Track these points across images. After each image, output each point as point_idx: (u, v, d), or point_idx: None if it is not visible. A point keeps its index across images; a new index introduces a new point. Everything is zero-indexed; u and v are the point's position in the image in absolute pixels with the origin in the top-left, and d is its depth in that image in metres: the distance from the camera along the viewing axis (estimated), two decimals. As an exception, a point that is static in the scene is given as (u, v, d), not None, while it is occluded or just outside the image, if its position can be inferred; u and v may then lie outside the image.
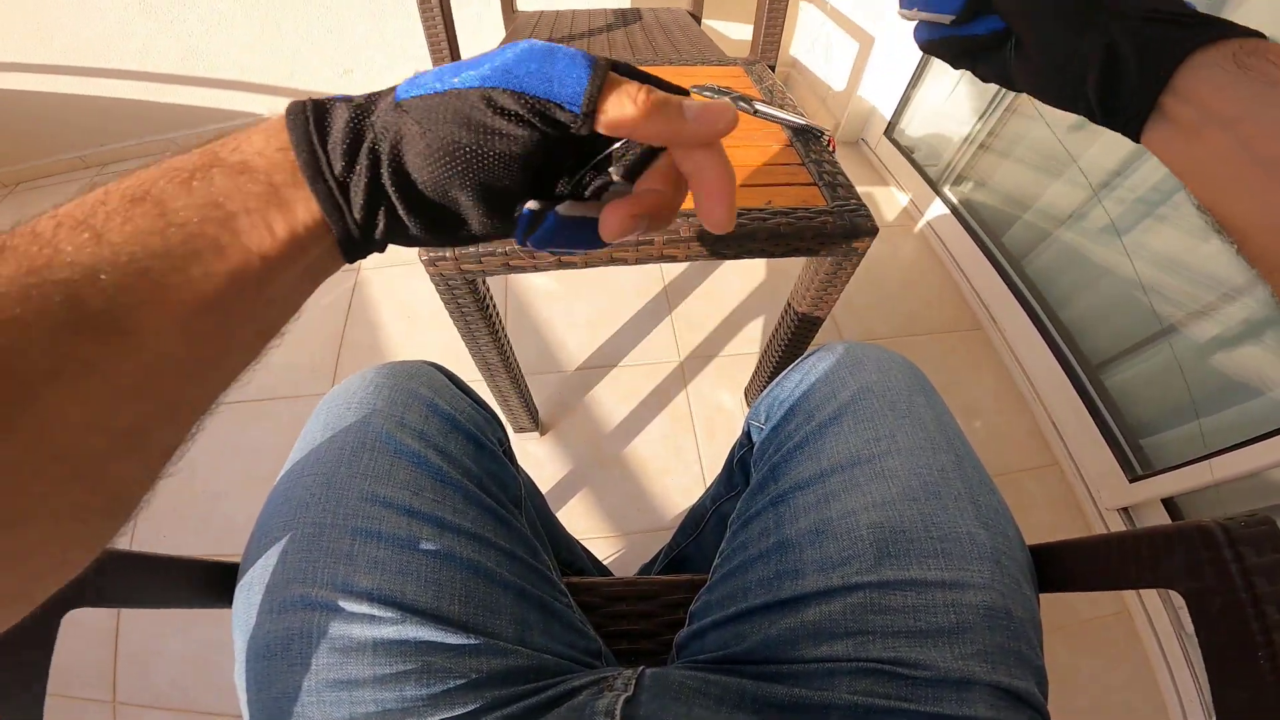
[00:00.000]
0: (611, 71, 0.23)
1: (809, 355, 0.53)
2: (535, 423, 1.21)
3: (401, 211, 0.24)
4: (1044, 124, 1.33)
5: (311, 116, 0.22)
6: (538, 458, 1.20)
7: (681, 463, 1.21)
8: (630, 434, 1.25)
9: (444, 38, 1.10)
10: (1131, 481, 1.06)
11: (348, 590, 0.36)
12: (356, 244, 0.24)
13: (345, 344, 1.38)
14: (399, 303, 1.45)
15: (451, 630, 0.37)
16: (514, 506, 0.49)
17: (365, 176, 0.22)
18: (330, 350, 1.37)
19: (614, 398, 1.30)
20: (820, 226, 0.70)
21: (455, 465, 0.44)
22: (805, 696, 0.37)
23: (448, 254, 0.62)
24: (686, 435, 1.24)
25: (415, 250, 0.46)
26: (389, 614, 0.36)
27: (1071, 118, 1.25)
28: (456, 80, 0.22)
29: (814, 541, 0.41)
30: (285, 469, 0.42)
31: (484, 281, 0.73)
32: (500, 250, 0.62)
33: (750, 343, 1.40)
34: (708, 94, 0.92)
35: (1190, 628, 0.31)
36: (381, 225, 0.24)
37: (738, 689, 0.39)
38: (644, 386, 1.31)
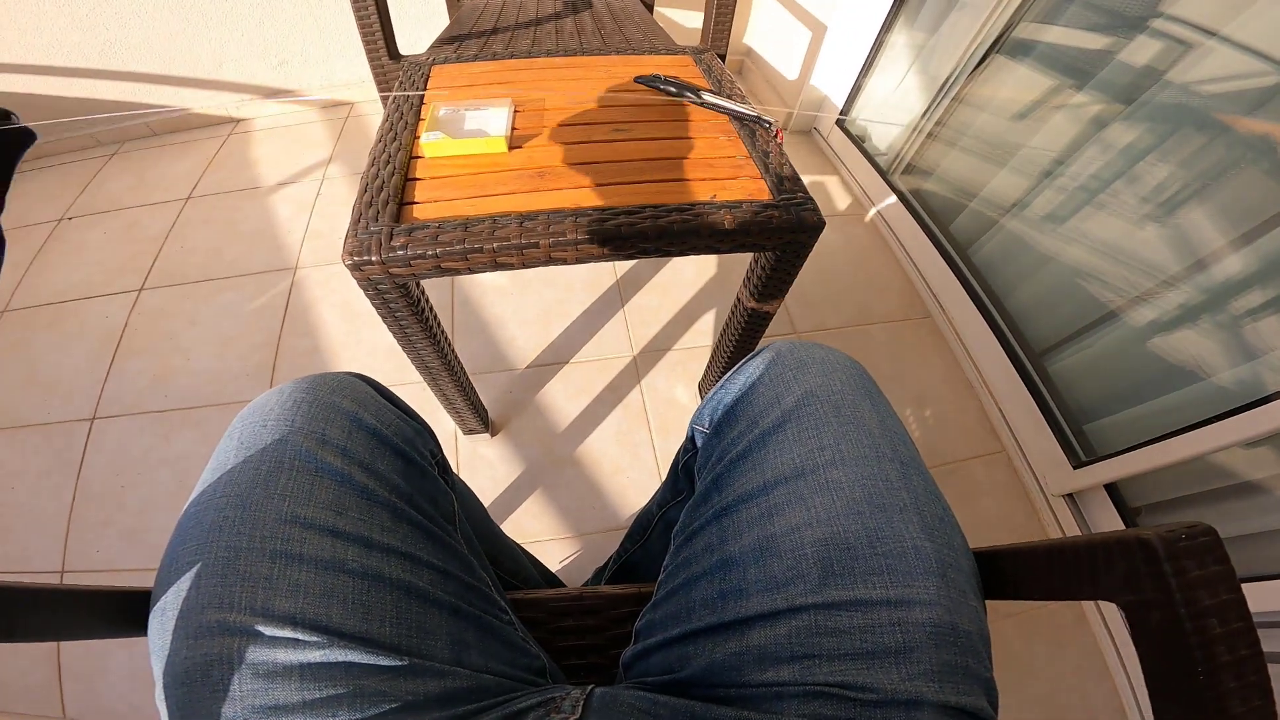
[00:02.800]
0: None
1: (753, 356, 0.52)
2: (485, 424, 1.17)
3: None
4: (989, 114, 1.35)
5: None
6: (489, 459, 1.17)
7: (636, 460, 1.19)
8: (584, 432, 1.22)
9: (375, 18, 1.05)
10: (1075, 468, 1.08)
11: (267, 615, 0.34)
12: None
13: (283, 348, 1.32)
14: (339, 302, 1.39)
15: (383, 653, 0.36)
16: (447, 522, 0.47)
17: None
18: (266, 355, 1.31)
19: (566, 395, 1.27)
20: (766, 221, 0.68)
21: (382, 482, 0.42)
22: (753, 719, 0.36)
23: (373, 258, 0.59)
24: (641, 431, 1.23)
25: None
26: (314, 638, 0.34)
27: (1016, 108, 1.27)
28: None
29: (758, 559, 0.40)
30: (196, 492, 0.39)
31: (418, 284, 0.69)
32: (430, 253, 0.59)
33: (704, 335, 1.39)
34: (654, 85, 0.89)
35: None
36: None
37: (687, 711, 0.38)
38: (597, 382, 1.29)
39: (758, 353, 0.52)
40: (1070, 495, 1.12)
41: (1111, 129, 1.05)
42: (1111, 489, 1.07)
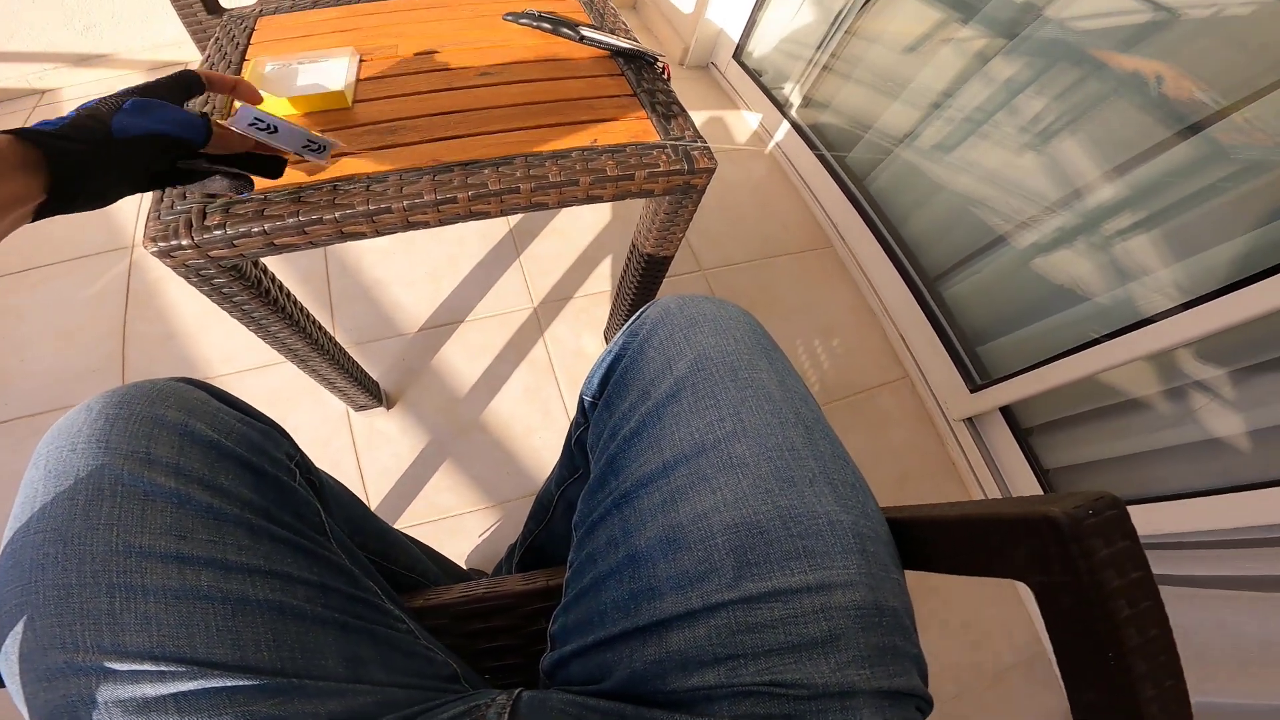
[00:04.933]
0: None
1: (640, 315, 0.48)
2: (378, 397, 1.09)
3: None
4: (881, 47, 1.34)
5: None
6: (388, 434, 1.10)
7: (547, 417, 1.15)
8: (488, 393, 1.16)
9: None
10: (973, 391, 1.13)
11: (119, 652, 0.31)
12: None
13: (130, 336, 1.16)
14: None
15: (266, 677, 0.33)
16: (316, 533, 0.42)
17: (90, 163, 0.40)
18: (113, 345, 1.15)
19: (465, 356, 1.20)
20: (653, 164, 0.63)
21: (230, 499, 0.37)
22: None
23: (184, 241, 0.49)
24: (549, 387, 1.18)
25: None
26: (181, 669, 0.31)
27: (906, 41, 1.27)
28: (152, 122, 0.43)
29: (666, 553, 0.37)
30: (9, 529, 0.35)
31: (255, 264, 0.60)
32: (257, 230, 0.50)
33: (608, 280, 1.34)
34: (524, 21, 0.80)
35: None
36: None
37: (618, 713, 0.36)
38: (497, 340, 1.22)
39: (644, 311, 0.48)
40: (970, 420, 1.17)
41: (995, 63, 1.07)
42: (1007, 412, 1.12)
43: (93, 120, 0.41)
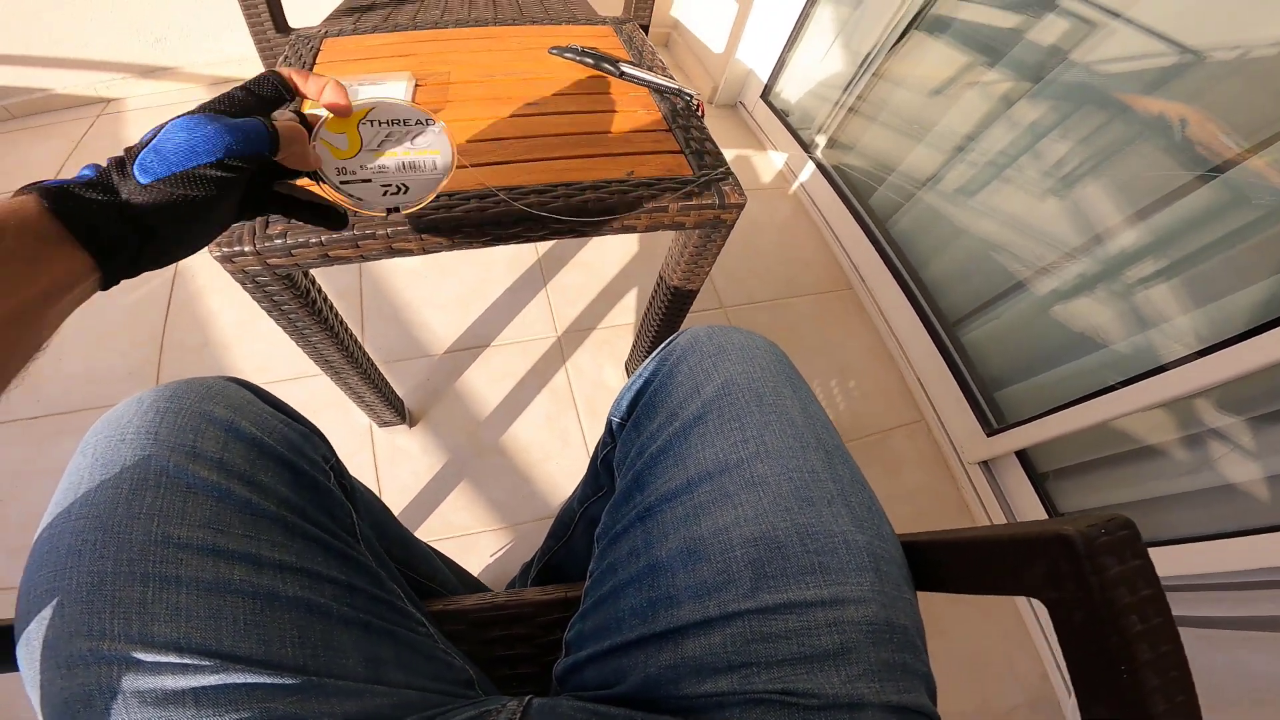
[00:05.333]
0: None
1: (670, 343, 0.50)
2: (401, 414, 1.11)
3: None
4: (906, 89, 1.37)
5: (59, 194, 0.30)
6: (409, 451, 1.12)
7: (565, 445, 1.16)
8: (509, 418, 1.18)
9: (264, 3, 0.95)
10: (989, 435, 1.13)
11: (146, 641, 0.31)
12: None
13: (168, 344, 1.21)
14: (228, 291, 1.28)
15: (288, 674, 0.33)
16: (347, 534, 0.44)
17: (131, 242, 0.33)
18: (149, 353, 1.19)
19: (488, 380, 1.22)
20: (686, 198, 0.65)
21: (268, 495, 0.38)
22: None
23: (246, 248, 0.52)
24: (569, 415, 1.19)
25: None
26: (205, 662, 0.32)
27: (932, 84, 1.30)
28: (181, 160, 0.33)
29: (686, 564, 0.38)
30: (50, 514, 0.36)
31: (306, 274, 0.63)
32: (314, 240, 0.53)
33: (631, 313, 1.36)
34: (569, 56, 0.84)
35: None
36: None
37: (629, 719, 0.37)
38: (520, 366, 1.25)
39: (675, 339, 0.50)
40: (985, 463, 1.17)
41: (1019, 106, 1.08)
42: (1023, 456, 1.11)
43: (123, 162, 0.34)
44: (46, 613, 0.32)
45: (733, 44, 1.81)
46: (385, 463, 1.10)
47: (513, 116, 0.74)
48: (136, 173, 0.32)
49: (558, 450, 1.15)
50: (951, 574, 0.37)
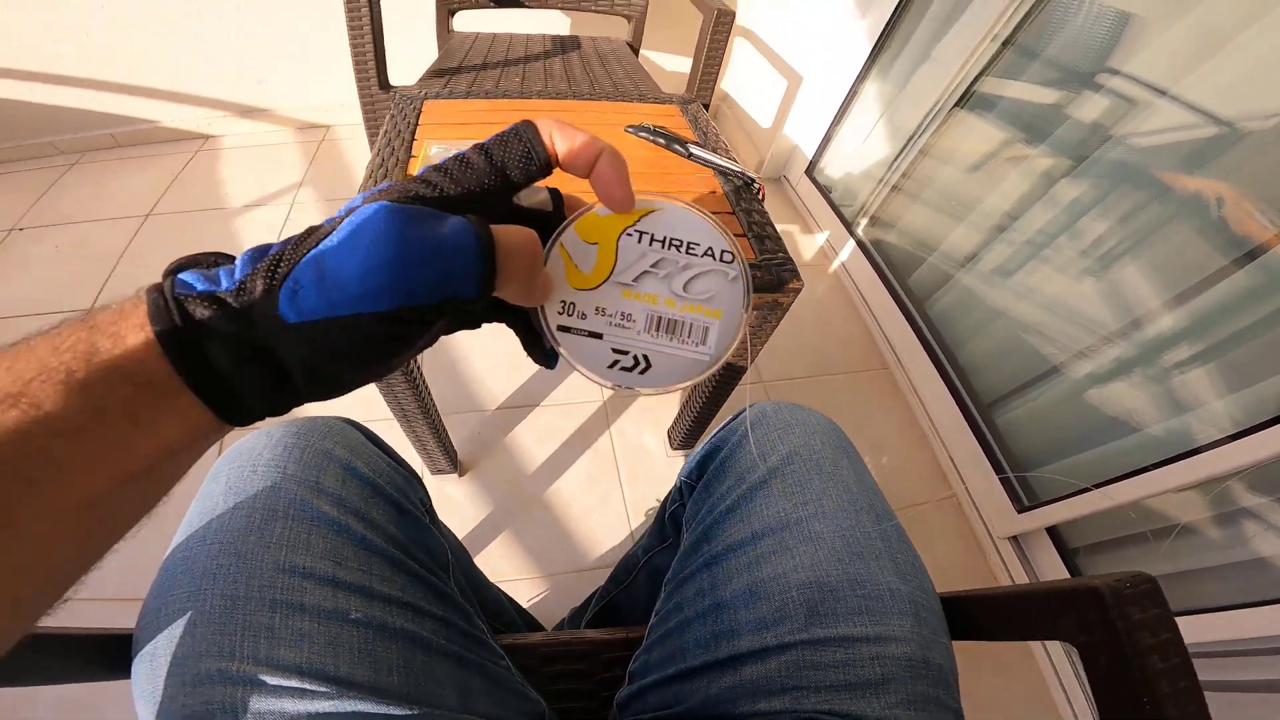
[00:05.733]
0: (492, 238, 0.24)
1: (741, 413, 0.55)
2: (454, 464, 1.17)
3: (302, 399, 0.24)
4: (951, 168, 1.41)
5: (181, 324, 0.21)
6: (456, 500, 1.17)
7: (605, 504, 1.20)
8: (552, 475, 1.23)
9: (370, 46, 1.05)
10: (1020, 512, 1.14)
11: (272, 664, 0.33)
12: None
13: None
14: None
15: (394, 702, 0.36)
16: (442, 571, 0.48)
17: (264, 393, 0.23)
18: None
19: (535, 438, 1.28)
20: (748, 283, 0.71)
21: (379, 532, 0.42)
22: None
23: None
24: (610, 477, 1.24)
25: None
26: (323, 688, 0.34)
27: (974, 161, 1.34)
28: (347, 301, 0.21)
29: (748, 603, 0.43)
30: (181, 535, 0.38)
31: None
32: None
33: (675, 383, 1.41)
34: (643, 135, 0.93)
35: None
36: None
37: None
38: (566, 427, 1.31)
39: (742, 413, 0.55)
40: (1015, 538, 1.18)
41: (1061, 185, 1.11)
42: (1052, 531, 1.13)
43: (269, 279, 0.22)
44: (178, 630, 0.34)
45: (780, 119, 1.86)
46: (434, 507, 1.15)
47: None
48: (284, 303, 0.21)
49: (597, 508, 1.19)
50: (987, 624, 0.41)
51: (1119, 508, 0.95)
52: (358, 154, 1.94)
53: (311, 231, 0.23)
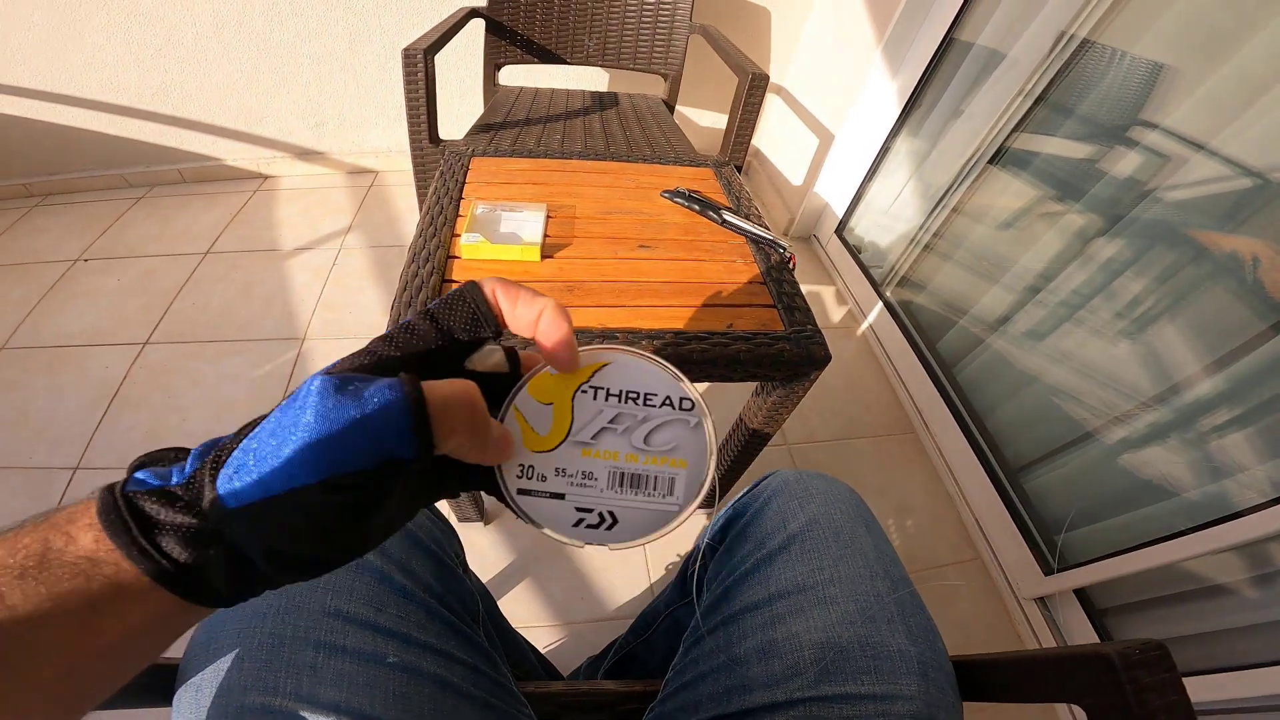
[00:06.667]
0: (422, 397, 0.23)
1: (764, 480, 0.58)
2: (480, 513, 1.19)
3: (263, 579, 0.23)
4: (982, 227, 1.40)
5: (135, 527, 0.21)
6: (481, 547, 1.19)
7: (625, 560, 1.21)
8: (575, 528, 1.24)
9: (424, 104, 1.12)
10: (1046, 575, 1.12)
11: (313, 702, 0.35)
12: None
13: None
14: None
15: None
16: (473, 620, 0.50)
17: (230, 579, 0.22)
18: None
19: (560, 490, 1.29)
20: (778, 354, 0.72)
21: (417, 582, 0.45)
22: None
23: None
24: (631, 535, 1.25)
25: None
26: None
27: (1003, 217, 1.33)
28: (279, 478, 0.21)
29: (761, 660, 0.45)
30: None
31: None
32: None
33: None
34: (678, 200, 0.96)
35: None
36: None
37: None
38: (591, 481, 1.32)
39: (767, 479, 0.57)
40: (1041, 599, 1.15)
41: (1096, 244, 1.09)
42: (1080, 592, 1.10)
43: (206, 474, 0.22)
44: (224, 664, 0.36)
45: (811, 177, 1.86)
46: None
47: (629, 259, 0.83)
48: (224, 490, 0.21)
49: (616, 563, 1.20)
50: (1001, 685, 0.42)
51: (1149, 571, 0.92)
52: (403, 200, 2.01)
53: (258, 419, 0.23)
